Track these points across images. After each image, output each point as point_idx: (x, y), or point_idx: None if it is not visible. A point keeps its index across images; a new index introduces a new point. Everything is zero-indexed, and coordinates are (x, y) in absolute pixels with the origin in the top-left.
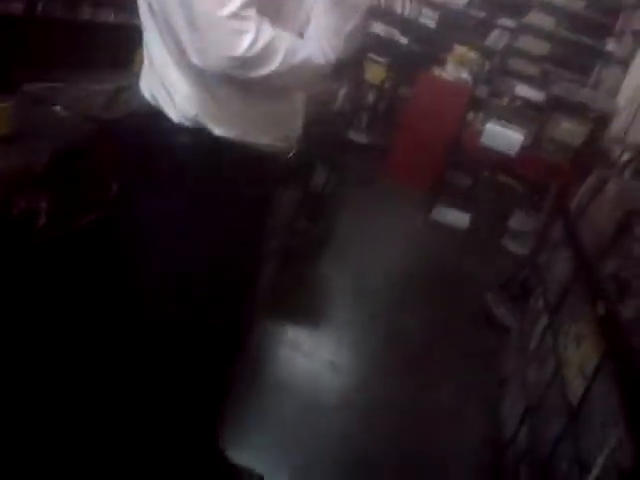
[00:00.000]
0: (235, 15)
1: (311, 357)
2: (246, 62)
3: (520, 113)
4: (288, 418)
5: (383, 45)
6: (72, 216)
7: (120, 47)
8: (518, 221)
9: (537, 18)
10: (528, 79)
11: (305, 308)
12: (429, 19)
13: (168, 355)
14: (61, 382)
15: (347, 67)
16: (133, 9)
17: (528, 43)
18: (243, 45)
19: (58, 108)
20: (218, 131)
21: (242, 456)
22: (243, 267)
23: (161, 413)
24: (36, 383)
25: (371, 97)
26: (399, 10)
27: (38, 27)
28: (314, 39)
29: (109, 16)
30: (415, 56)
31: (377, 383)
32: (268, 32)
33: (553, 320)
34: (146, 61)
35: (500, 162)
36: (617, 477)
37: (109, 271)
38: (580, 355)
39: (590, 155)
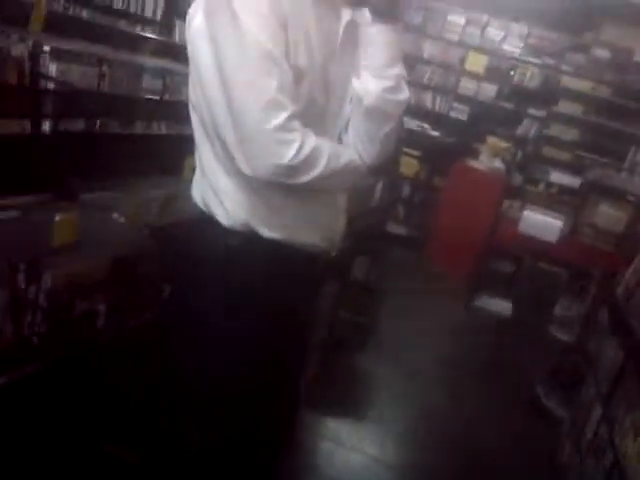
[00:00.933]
0: (281, 127)
1: (354, 451)
2: (292, 169)
3: (557, 199)
4: None
5: (416, 139)
6: (127, 318)
7: (170, 156)
8: (563, 307)
9: (565, 106)
10: (562, 165)
11: (351, 402)
12: (460, 112)
13: (218, 454)
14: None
15: (384, 163)
16: (182, 120)
17: (559, 130)
18: (289, 154)
19: (116, 216)
20: (267, 233)
21: None
22: (291, 365)
23: None
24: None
25: (407, 189)
26: (429, 105)
27: (96, 141)
28: (352, 145)
29: (160, 128)
30: (448, 147)
31: (425, 478)
32: (312, 140)
33: (607, 410)
34: (197, 169)
35: (540, 249)
36: None
37: (161, 372)
38: (638, 447)
39: (633, 240)
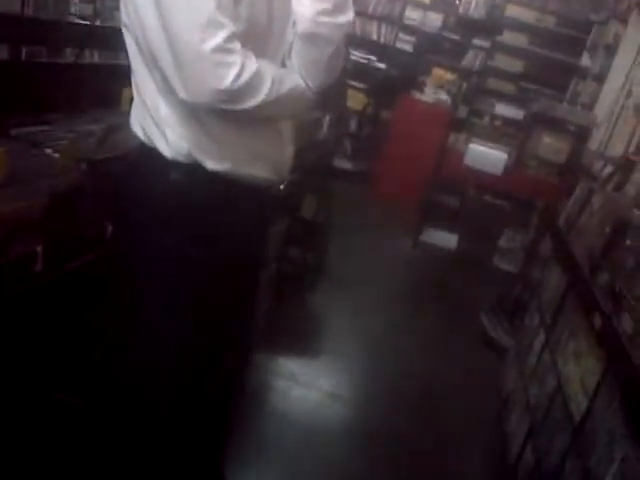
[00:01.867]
0: (219, 48)
1: (310, 388)
2: (233, 94)
3: (501, 132)
4: (288, 450)
5: (362, 71)
6: (67, 258)
7: (106, 87)
8: (508, 239)
9: (510, 37)
10: (507, 98)
11: (303, 339)
12: (405, 43)
13: (169, 390)
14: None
15: (330, 96)
16: (117, 49)
17: (503, 62)
18: (229, 78)
19: (50, 151)
20: (211, 165)
21: None
22: (240, 298)
23: (166, 448)
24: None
25: (354, 123)
26: (375, 37)
27: (23, 72)
28: (296, 70)
29: (93, 57)
30: (394, 80)
31: (378, 412)
32: (253, 64)
33: (550, 336)
34: (136, 97)
35: (486, 182)
36: None
37: (104, 312)
38: (580, 370)
39: (574, 170)
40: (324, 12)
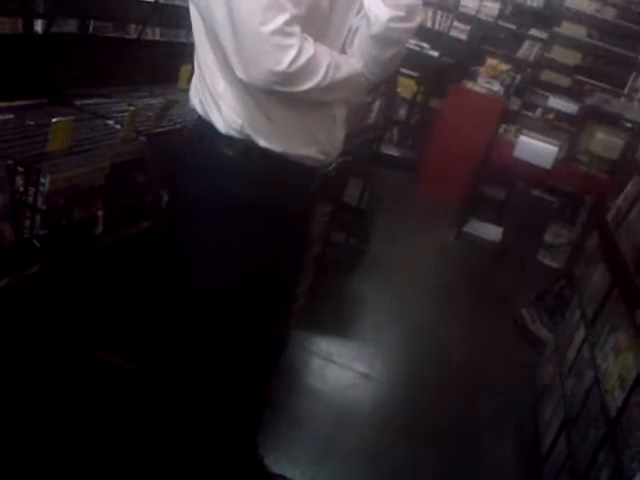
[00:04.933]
0: (279, 31)
1: (345, 368)
2: (288, 77)
3: (554, 125)
4: (322, 428)
5: (414, 59)
6: (126, 224)
7: (165, 64)
8: (554, 234)
9: (568, 28)
10: (561, 91)
11: (341, 321)
12: (460, 32)
13: (210, 364)
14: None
15: (382, 82)
16: (177, 27)
17: (560, 54)
18: (285, 60)
19: (112, 122)
20: (263, 143)
21: (279, 465)
22: (285, 277)
23: (203, 422)
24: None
25: (403, 111)
26: (429, 24)
27: (89, 45)
28: (357, 58)
29: (155, 34)
30: (447, 68)
31: (413, 396)
32: (311, 48)
33: (590, 331)
34: (196, 72)
35: (535, 175)
36: None
37: (158, 278)
38: (619, 366)
39: (627, 167)
40: (397, 19)
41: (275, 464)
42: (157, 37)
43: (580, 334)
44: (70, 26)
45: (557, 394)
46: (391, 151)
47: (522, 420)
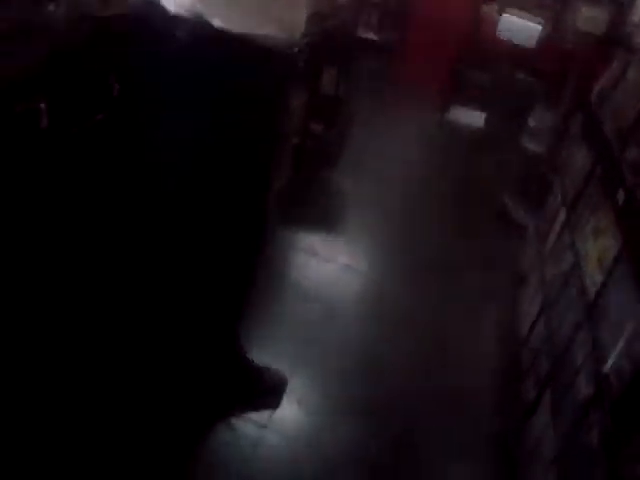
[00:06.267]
0: None
1: (327, 261)
2: None
3: (537, 1)
4: (305, 318)
5: None
6: (74, 118)
7: None
8: (537, 118)
9: None
10: None
11: (321, 212)
12: None
13: (189, 254)
14: (76, 291)
15: None
16: None
17: None
18: None
19: (53, 7)
20: (216, 21)
21: (262, 357)
22: (257, 167)
23: (183, 311)
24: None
25: None
26: None
27: None
28: None
29: None
30: None
31: (394, 284)
32: None
33: (571, 215)
34: None
35: (518, 55)
36: (632, 367)
37: (115, 174)
38: (598, 248)
39: (612, 43)
40: None
41: (258, 357)
42: None
43: (561, 219)
44: None
45: (536, 279)
46: (368, 35)
47: (503, 304)
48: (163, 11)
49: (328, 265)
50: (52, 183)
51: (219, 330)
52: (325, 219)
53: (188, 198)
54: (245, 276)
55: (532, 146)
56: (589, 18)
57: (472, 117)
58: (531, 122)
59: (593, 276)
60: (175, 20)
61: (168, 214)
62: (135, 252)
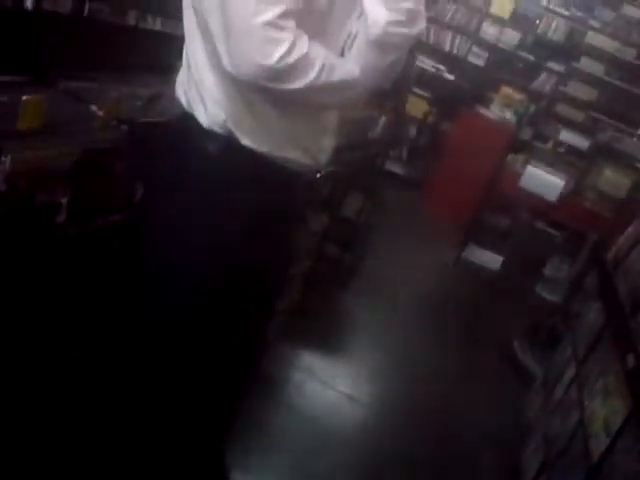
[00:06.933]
0: (271, 24)
1: (327, 387)
2: (277, 73)
3: (563, 159)
4: (297, 446)
5: (429, 80)
6: (93, 215)
7: (163, 54)
8: (554, 268)
9: (587, 64)
10: (574, 125)
11: (327, 336)
12: (478, 58)
13: (180, 365)
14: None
15: (388, 96)
16: (180, 18)
17: (576, 89)
18: (275, 55)
19: (94, 107)
20: (246, 141)
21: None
22: (264, 282)
23: (169, 425)
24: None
25: (413, 130)
26: (447, 47)
27: (83, 27)
28: (354, 63)
29: (155, 24)
30: (461, 92)
31: (392, 423)
32: (304, 46)
33: (580, 370)
34: (184, 64)
35: (539, 207)
36: None
37: (125, 274)
38: (606, 409)
39: (633, 207)
40: (397, 23)
41: (242, 476)
42: (157, 27)
43: (570, 372)
44: (64, 6)
45: (540, 432)
46: (396, 169)
47: (504, 453)
48: (197, 125)
49: (324, 388)
50: (53, 276)
51: (204, 445)
52: (327, 341)
53: (193, 310)
54: (235, 389)
55: (546, 295)
56: (612, 181)
57: (489, 258)
58: (547, 271)
59: (598, 439)
60: (208, 135)
61: (167, 326)
62: (130, 357)
